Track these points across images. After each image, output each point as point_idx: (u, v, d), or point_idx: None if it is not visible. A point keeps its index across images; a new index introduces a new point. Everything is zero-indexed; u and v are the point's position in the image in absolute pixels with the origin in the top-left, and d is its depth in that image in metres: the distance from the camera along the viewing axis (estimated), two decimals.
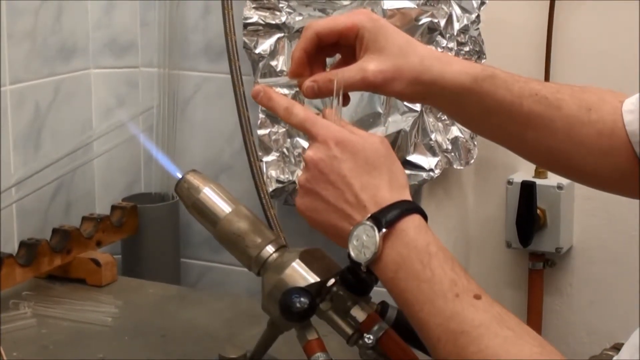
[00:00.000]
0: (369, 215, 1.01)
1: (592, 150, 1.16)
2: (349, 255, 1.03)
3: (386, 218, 1.01)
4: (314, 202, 1.06)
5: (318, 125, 1.07)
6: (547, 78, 1.90)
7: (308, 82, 1.14)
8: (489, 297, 0.97)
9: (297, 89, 1.20)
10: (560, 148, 1.17)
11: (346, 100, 1.16)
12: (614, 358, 0.90)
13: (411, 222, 1.01)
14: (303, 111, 1.09)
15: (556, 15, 1.90)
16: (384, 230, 1.00)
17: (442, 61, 1.14)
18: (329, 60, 1.20)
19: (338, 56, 1.20)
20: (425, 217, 1.03)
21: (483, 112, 1.16)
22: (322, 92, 1.14)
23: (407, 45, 1.14)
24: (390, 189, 1.04)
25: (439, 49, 1.77)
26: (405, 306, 1.00)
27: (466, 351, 0.93)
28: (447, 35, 1.79)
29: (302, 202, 1.07)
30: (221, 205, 1.17)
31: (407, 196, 1.04)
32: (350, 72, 1.13)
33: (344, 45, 1.16)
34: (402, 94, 1.15)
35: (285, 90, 1.84)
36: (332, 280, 1.11)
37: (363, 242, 1.01)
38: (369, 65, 1.12)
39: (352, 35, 1.14)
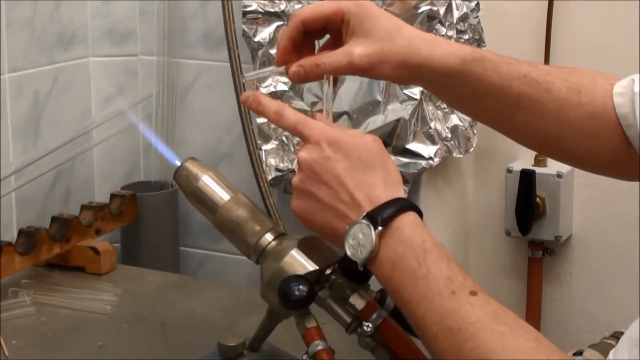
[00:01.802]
0: (365, 213, 1.01)
1: (582, 133, 1.16)
2: (345, 254, 1.03)
3: (382, 216, 1.00)
4: (309, 202, 1.06)
5: (310, 126, 1.06)
6: (546, 64, 1.90)
7: (294, 67, 1.13)
8: (485, 292, 0.97)
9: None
10: (550, 130, 1.17)
11: (334, 83, 1.17)
12: (611, 352, 0.90)
13: (406, 220, 1.01)
14: (294, 114, 1.09)
15: (556, 3, 1.90)
16: (379, 228, 1.00)
17: (430, 43, 1.14)
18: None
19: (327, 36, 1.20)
20: (420, 213, 1.03)
21: (472, 94, 1.16)
22: (308, 77, 1.13)
23: (394, 28, 1.13)
24: (385, 186, 1.03)
25: None
26: (403, 304, 1.00)
27: (463, 348, 0.94)
28: (447, 23, 1.79)
29: (297, 203, 1.07)
30: (220, 193, 1.16)
31: (401, 193, 1.04)
32: (336, 56, 1.13)
33: (331, 30, 1.16)
34: (389, 76, 1.14)
35: (285, 78, 1.84)
36: (330, 268, 1.11)
37: (359, 240, 1.01)
38: (355, 50, 1.12)
39: (339, 21, 1.14)
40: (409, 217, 1.01)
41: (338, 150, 1.04)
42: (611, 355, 0.89)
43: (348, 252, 1.02)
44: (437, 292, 0.96)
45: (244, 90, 1.88)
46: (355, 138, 1.05)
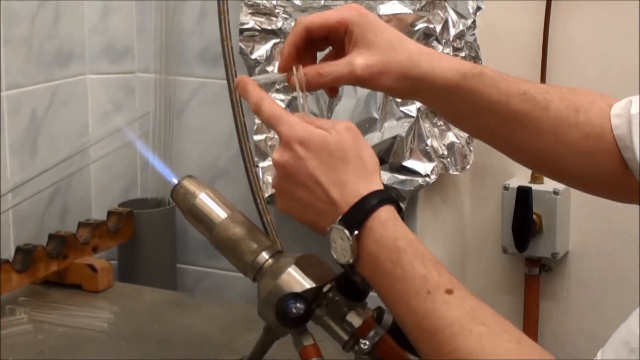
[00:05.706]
0: (340, 216, 1.02)
1: (578, 153, 1.17)
2: (333, 256, 1.04)
3: (355, 218, 1.01)
4: (291, 202, 1.07)
5: (282, 123, 1.07)
6: (543, 83, 1.90)
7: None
8: (462, 289, 0.97)
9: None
10: (547, 149, 1.17)
11: (333, 92, 1.19)
12: (599, 351, 0.90)
13: (377, 219, 1.01)
14: (270, 107, 1.09)
15: (552, 20, 1.91)
16: (355, 232, 1.01)
17: (431, 57, 1.14)
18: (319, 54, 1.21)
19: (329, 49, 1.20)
20: (395, 203, 1.03)
21: (470, 109, 1.16)
22: (311, 85, 1.14)
23: (396, 41, 1.14)
24: (358, 180, 1.04)
25: None
26: (386, 304, 1.02)
27: (442, 350, 0.94)
28: (443, 40, 1.79)
29: (280, 203, 1.09)
30: (217, 211, 1.17)
31: (376, 183, 1.04)
32: (338, 66, 1.13)
33: (334, 40, 1.16)
34: (389, 88, 1.15)
35: (282, 96, 1.85)
36: (327, 286, 1.11)
37: (340, 245, 1.02)
38: (357, 60, 1.12)
39: (342, 30, 1.14)
40: (380, 214, 1.02)
41: (308, 149, 1.04)
42: (599, 355, 0.90)
43: (334, 256, 1.03)
44: (413, 293, 0.97)
45: (242, 105, 1.89)
46: (326, 132, 1.05)
